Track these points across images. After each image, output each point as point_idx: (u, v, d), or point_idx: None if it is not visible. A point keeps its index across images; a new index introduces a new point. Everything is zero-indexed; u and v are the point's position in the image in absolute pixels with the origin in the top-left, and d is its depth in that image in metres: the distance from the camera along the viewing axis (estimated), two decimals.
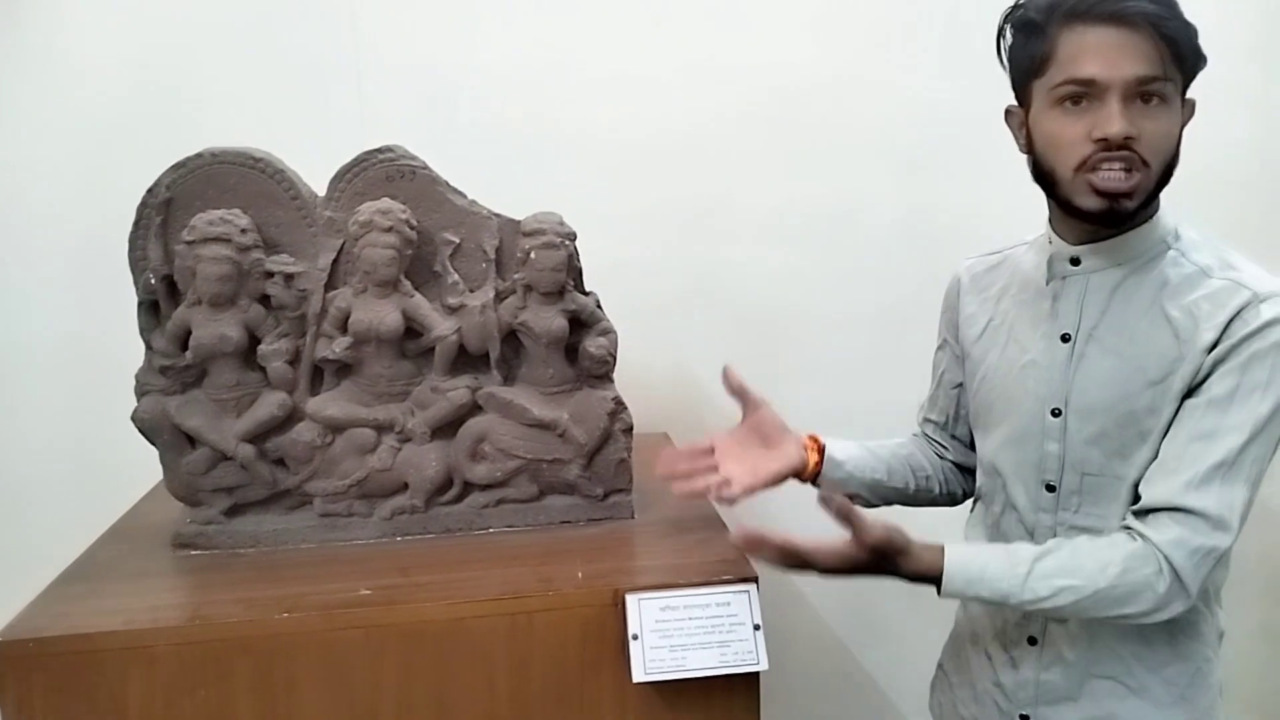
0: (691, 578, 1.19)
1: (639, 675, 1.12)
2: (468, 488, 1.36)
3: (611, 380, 1.39)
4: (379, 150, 1.35)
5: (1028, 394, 1.16)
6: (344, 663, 1.14)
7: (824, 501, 1.09)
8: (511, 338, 1.37)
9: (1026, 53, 1.09)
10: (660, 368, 1.82)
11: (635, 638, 1.14)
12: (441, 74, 1.75)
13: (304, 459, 1.32)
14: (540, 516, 1.37)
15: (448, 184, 1.37)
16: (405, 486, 1.34)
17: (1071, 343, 1.12)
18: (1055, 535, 1.13)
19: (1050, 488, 1.15)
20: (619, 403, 1.37)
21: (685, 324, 1.85)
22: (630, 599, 1.16)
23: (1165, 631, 1.12)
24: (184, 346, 1.29)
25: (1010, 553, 1.09)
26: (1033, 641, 1.18)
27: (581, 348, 1.37)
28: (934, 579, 1.08)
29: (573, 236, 1.36)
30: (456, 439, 1.34)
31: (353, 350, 1.32)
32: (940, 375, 1.38)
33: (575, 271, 1.38)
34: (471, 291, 1.36)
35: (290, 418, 1.32)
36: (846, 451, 1.32)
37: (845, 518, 1.08)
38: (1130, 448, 1.09)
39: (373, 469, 1.32)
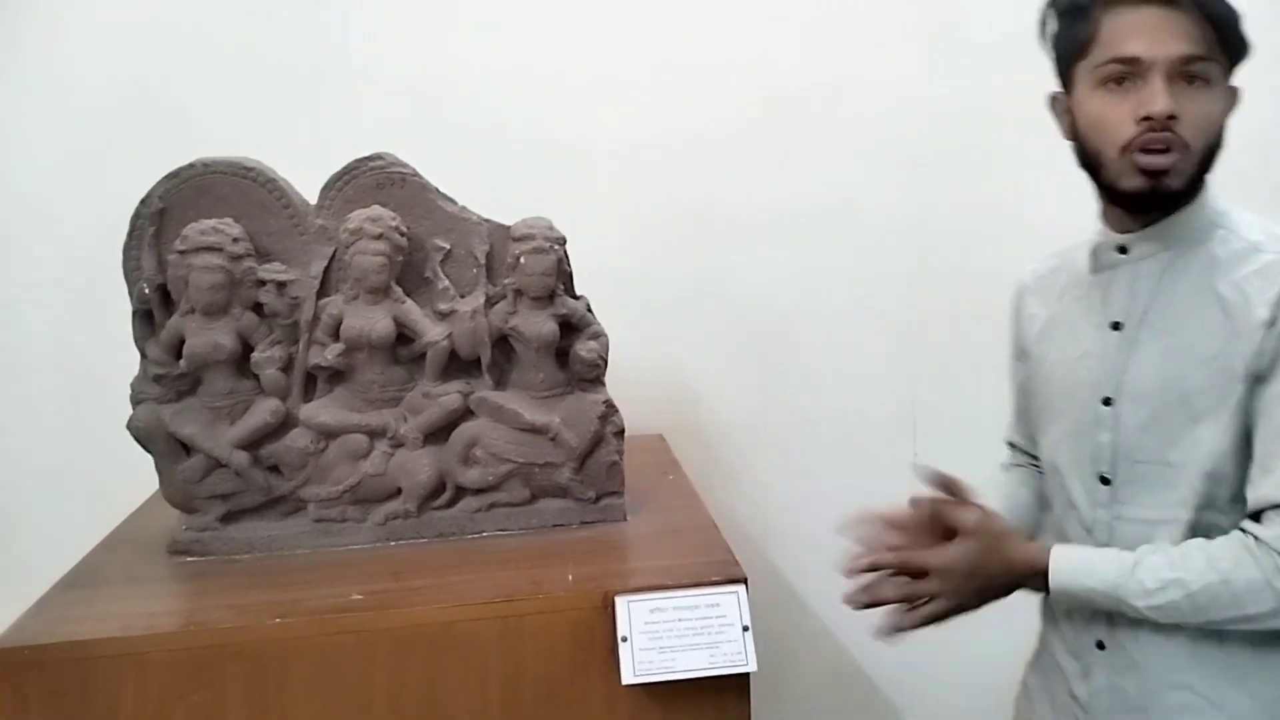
0: (681, 579, 1.20)
1: (628, 677, 1.13)
2: (460, 492, 1.37)
3: (603, 384, 1.40)
4: (369, 158, 1.36)
5: (1081, 385, 1.14)
6: (336, 667, 1.15)
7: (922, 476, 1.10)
8: (503, 342, 1.38)
9: (1070, 35, 1.08)
10: (656, 369, 1.82)
11: (625, 640, 1.14)
12: (432, 80, 1.76)
13: (298, 465, 1.33)
14: (532, 520, 1.38)
15: (438, 190, 1.38)
16: (398, 491, 1.35)
17: (1122, 330, 1.10)
18: (1112, 531, 1.10)
19: (1105, 480, 1.12)
20: (610, 406, 1.38)
21: (681, 325, 1.86)
22: (620, 601, 1.16)
23: (1248, 639, 1.05)
24: (178, 355, 1.31)
25: (1115, 549, 1.07)
26: (1101, 646, 1.14)
27: (572, 352, 1.38)
28: (1040, 571, 1.06)
29: (562, 241, 1.37)
30: (448, 444, 1.35)
31: (345, 357, 1.33)
32: (1021, 388, 1.31)
33: (565, 276, 1.38)
34: (462, 297, 1.37)
35: (284, 424, 1.33)
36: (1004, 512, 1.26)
37: (945, 487, 1.10)
38: (1179, 431, 1.06)
39: (366, 474, 1.33)
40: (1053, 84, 1.12)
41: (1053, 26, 1.11)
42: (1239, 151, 1.95)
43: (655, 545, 1.32)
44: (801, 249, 1.89)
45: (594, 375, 1.38)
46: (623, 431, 1.39)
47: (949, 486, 1.13)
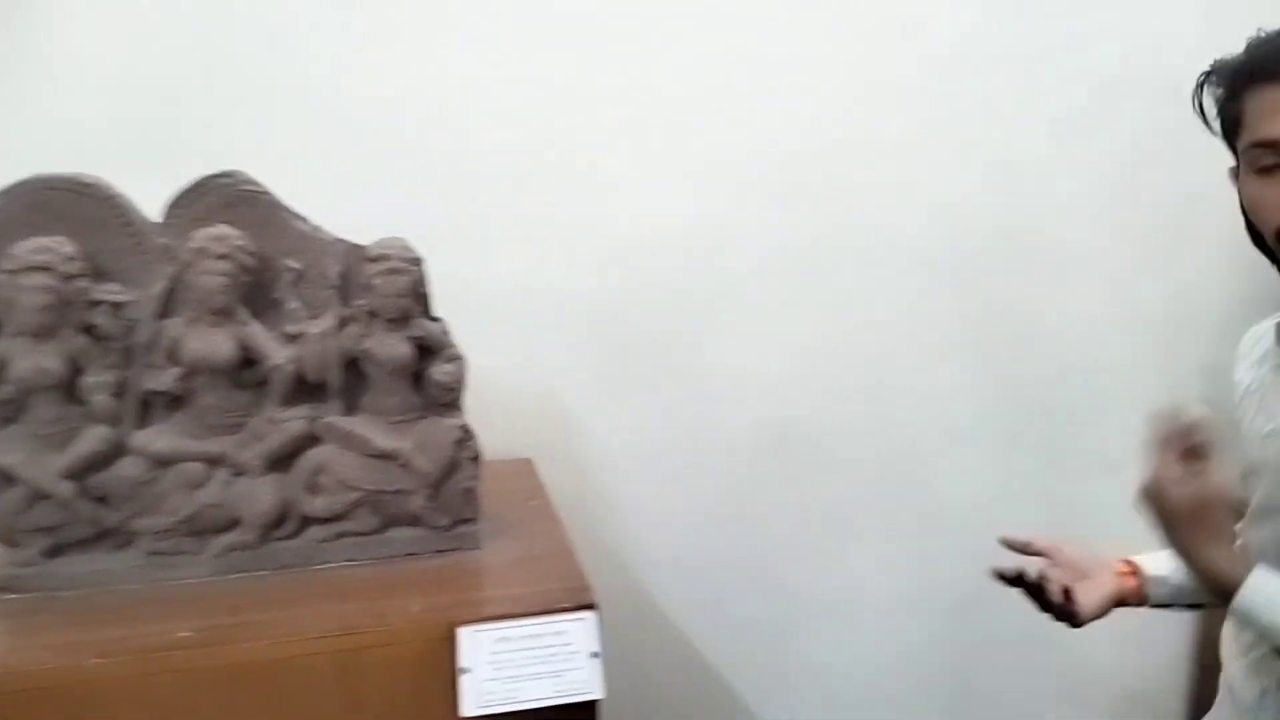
0: (530, 607, 1.17)
1: (467, 710, 1.09)
2: (305, 522, 1.31)
3: (459, 408, 1.37)
4: (218, 175, 1.31)
5: (1269, 466, 1.07)
6: (161, 709, 1.08)
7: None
8: (355, 366, 1.34)
9: (1223, 117, 1.05)
10: (527, 392, 1.79)
11: (465, 672, 1.11)
12: (291, 96, 1.70)
13: (128, 496, 1.26)
14: (383, 549, 1.33)
15: (290, 209, 1.34)
16: (239, 522, 1.29)
17: None
18: None
19: None
20: (466, 431, 1.35)
21: (554, 348, 1.82)
22: (462, 632, 1.13)
23: None
24: (2, 380, 1.23)
25: None
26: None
27: (427, 375, 1.34)
28: (1230, 582, 0.96)
29: (418, 261, 1.34)
30: (293, 471, 1.30)
31: (184, 381, 1.28)
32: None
33: (422, 297, 1.35)
34: (314, 319, 1.33)
35: (116, 453, 1.27)
36: (1167, 566, 1.22)
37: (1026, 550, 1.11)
38: None
39: (202, 504, 1.27)
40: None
41: (1209, 104, 1.08)
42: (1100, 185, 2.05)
43: (508, 573, 1.29)
44: (674, 268, 1.87)
45: (450, 399, 1.35)
46: (478, 457, 1.36)
47: (1027, 548, 1.15)
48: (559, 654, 1.14)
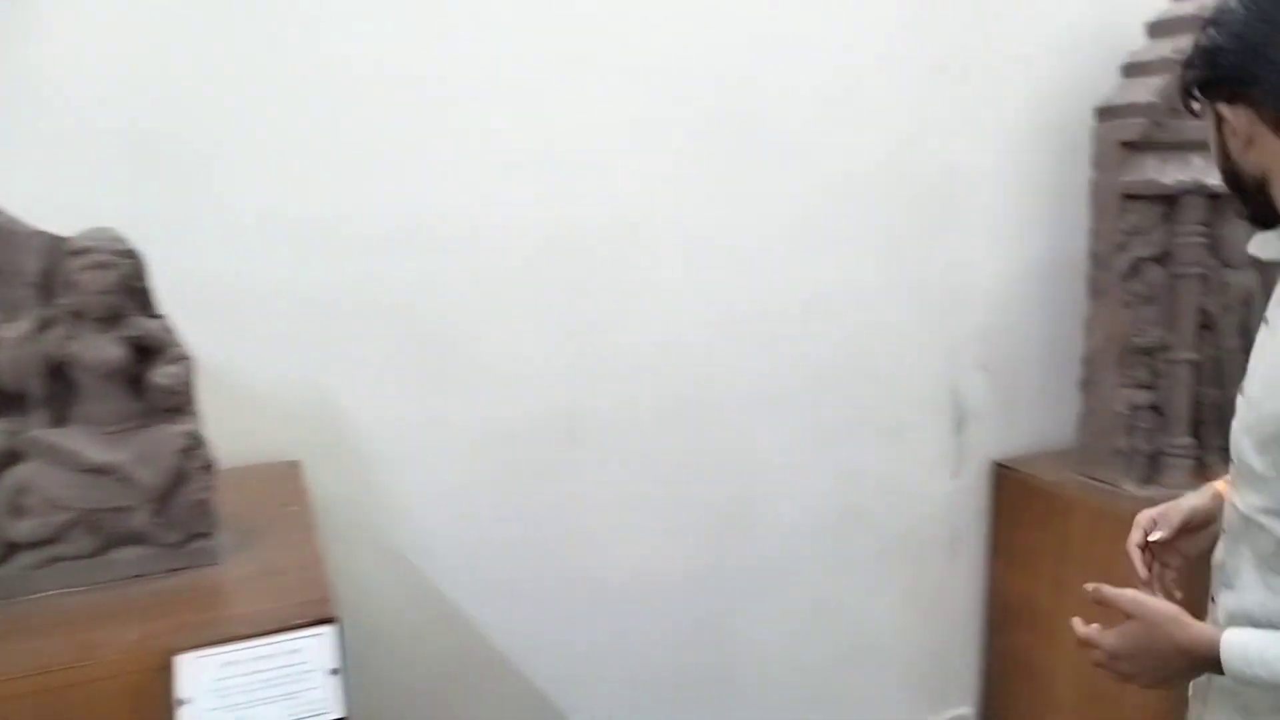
0: (262, 626, 1.08)
1: None
2: (11, 548, 1.17)
3: (187, 413, 1.25)
4: None
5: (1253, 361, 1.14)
6: None
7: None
8: (64, 373, 1.20)
9: None
10: (295, 390, 1.67)
11: (184, 703, 1.01)
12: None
13: None
14: (105, 573, 1.20)
15: None
16: None
17: (1268, 325, 1.11)
18: (1225, 513, 1.15)
19: (1230, 462, 1.15)
20: (194, 438, 1.23)
21: (325, 343, 1.69)
22: (182, 659, 1.03)
23: None
24: None
25: None
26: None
27: (147, 378, 1.22)
28: (1213, 657, 1.04)
29: (131, 254, 1.22)
30: None
31: None
32: None
33: (138, 293, 1.23)
34: (9, 322, 1.18)
35: None
36: None
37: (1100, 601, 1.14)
38: (1271, 448, 1.04)
39: None
40: None
41: None
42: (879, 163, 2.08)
43: (245, 590, 1.19)
44: (447, 259, 1.76)
45: (175, 404, 1.24)
46: (211, 465, 1.25)
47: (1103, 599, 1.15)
48: (292, 674, 1.05)
